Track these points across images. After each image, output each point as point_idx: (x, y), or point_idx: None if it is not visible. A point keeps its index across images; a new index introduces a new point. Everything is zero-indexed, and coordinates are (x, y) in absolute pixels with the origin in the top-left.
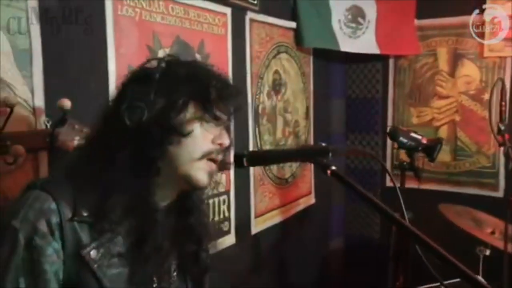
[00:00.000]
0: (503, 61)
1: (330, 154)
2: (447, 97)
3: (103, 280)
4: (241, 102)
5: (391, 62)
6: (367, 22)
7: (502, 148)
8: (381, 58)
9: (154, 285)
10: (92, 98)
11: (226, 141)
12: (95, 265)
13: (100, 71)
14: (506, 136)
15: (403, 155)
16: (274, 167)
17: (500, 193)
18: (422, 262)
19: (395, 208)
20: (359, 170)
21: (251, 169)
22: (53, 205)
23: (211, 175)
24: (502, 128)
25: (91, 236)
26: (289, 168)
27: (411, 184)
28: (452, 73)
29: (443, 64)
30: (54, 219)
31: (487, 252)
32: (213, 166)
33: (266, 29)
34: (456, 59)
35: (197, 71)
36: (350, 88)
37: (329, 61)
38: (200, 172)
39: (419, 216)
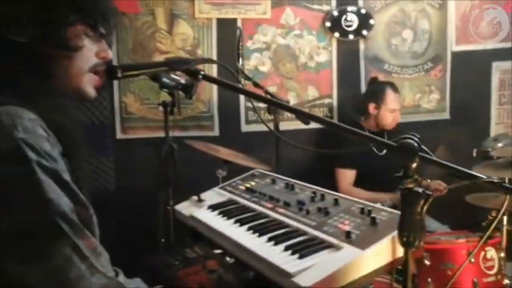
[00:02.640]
0: (210, 21)
1: (192, 63)
2: (167, 52)
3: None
4: (119, 20)
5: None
6: None
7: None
8: None
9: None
10: None
11: (109, 54)
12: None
13: None
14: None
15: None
16: None
17: (216, 133)
18: None
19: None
20: (88, 125)
21: None
22: (33, 115)
23: (96, 88)
24: (241, 67)
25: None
26: None
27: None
28: (170, 31)
29: (161, 22)
30: (44, 125)
31: (225, 173)
32: (97, 79)
33: None
34: (172, 18)
35: None
36: None
37: None
38: (89, 85)
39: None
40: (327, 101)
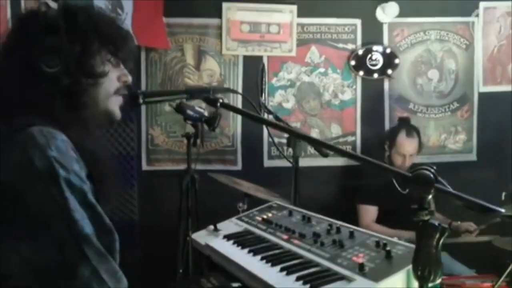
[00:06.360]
0: (236, 58)
1: (211, 91)
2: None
3: None
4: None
5: (142, 54)
6: (125, 14)
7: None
8: None
9: None
10: None
11: (129, 79)
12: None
13: None
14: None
15: (158, 134)
16: None
17: (239, 167)
18: None
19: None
20: (115, 155)
21: None
22: (65, 137)
23: (121, 108)
24: (263, 101)
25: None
26: None
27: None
28: (198, 67)
29: (190, 58)
30: (74, 148)
31: (245, 207)
32: (121, 100)
33: None
34: (200, 54)
35: (98, 18)
36: None
37: None
38: (115, 106)
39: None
40: (350, 139)
